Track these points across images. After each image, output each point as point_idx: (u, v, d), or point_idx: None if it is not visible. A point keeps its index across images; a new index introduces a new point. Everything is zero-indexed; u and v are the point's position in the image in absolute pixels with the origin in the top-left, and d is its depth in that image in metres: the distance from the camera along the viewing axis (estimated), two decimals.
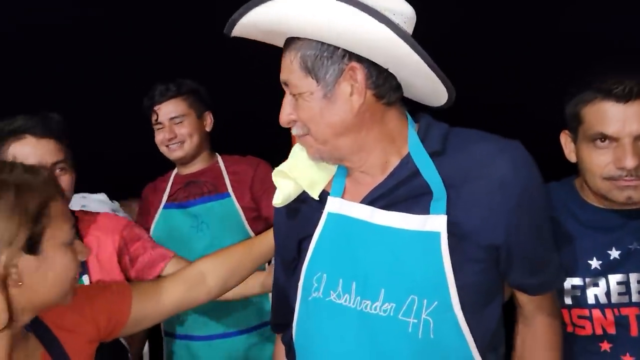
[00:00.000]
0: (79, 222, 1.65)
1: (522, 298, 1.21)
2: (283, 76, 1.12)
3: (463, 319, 1.05)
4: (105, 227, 1.67)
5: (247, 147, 2.32)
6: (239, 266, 1.43)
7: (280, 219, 1.29)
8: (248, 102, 2.70)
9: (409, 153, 1.13)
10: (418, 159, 1.11)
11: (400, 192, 1.11)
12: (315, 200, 1.19)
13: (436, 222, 1.06)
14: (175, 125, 2.13)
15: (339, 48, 1.06)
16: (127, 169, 2.53)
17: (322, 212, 1.17)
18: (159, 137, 2.15)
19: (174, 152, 2.15)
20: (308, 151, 1.17)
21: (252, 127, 2.64)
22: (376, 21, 1.00)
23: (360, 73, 1.08)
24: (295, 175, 1.19)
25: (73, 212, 1.64)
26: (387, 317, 1.07)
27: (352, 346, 1.09)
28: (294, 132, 1.15)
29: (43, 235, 1.02)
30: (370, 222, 1.12)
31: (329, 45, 1.06)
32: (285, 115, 1.14)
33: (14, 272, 0.99)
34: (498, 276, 1.13)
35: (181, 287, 1.35)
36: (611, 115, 1.25)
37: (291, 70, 1.10)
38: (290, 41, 1.10)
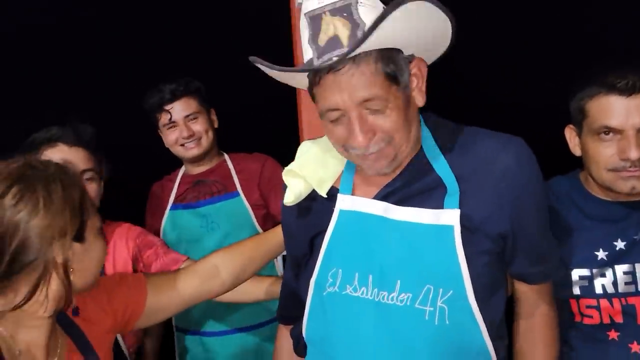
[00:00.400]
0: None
1: (523, 288, 1.25)
2: (363, 93, 1.05)
3: (476, 307, 1.10)
4: (120, 235, 1.74)
5: (245, 145, 2.33)
6: (251, 260, 1.46)
7: (289, 217, 1.31)
8: (242, 100, 2.71)
9: (421, 149, 1.17)
10: (430, 155, 1.16)
11: (414, 187, 1.16)
12: (325, 197, 1.22)
13: (450, 216, 1.11)
14: (189, 122, 2.12)
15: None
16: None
17: (332, 209, 1.20)
18: (173, 136, 2.12)
19: (190, 150, 2.13)
20: (379, 165, 1.12)
21: (248, 124, 2.66)
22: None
23: (423, 65, 1.12)
24: (305, 174, 1.22)
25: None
26: (404, 307, 1.11)
27: (370, 335, 1.13)
28: (371, 149, 1.10)
29: (86, 224, 1.08)
30: (385, 216, 1.15)
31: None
32: (367, 135, 1.08)
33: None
34: (502, 268, 1.19)
35: (195, 280, 1.38)
36: (615, 109, 1.29)
37: (374, 83, 1.05)
38: (356, 57, 1.04)
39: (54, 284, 1.04)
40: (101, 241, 1.14)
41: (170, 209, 2.21)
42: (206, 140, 2.14)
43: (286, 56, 1.15)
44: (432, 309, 1.10)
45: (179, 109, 2.11)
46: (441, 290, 1.10)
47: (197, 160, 2.18)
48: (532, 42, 2.43)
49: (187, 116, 2.11)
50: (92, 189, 1.63)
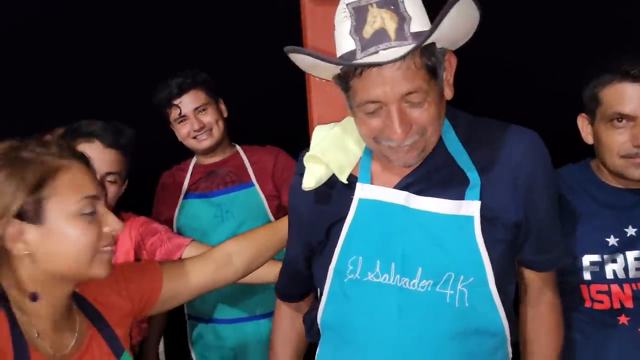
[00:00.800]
0: None
1: (530, 275, 1.28)
2: (407, 87, 1.06)
3: (496, 292, 1.15)
4: (124, 226, 1.73)
5: (254, 137, 2.34)
6: (264, 248, 1.48)
7: (304, 203, 1.30)
8: (249, 92, 2.71)
9: (441, 140, 1.19)
10: (451, 146, 1.19)
11: (435, 177, 1.18)
12: (343, 184, 1.23)
13: (470, 207, 1.15)
14: (199, 115, 2.12)
15: None
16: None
17: (351, 197, 1.22)
18: (184, 129, 2.13)
19: (203, 142, 2.14)
20: (410, 156, 1.13)
21: (256, 116, 2.66)
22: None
23: (454, 58, 1.14)
24: (328, 159, 1.23)
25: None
26: (425, 292, 1.14)
27: (393, 319, 1.15)
28: (407, 142, 1.10)
29: (44, 204, 1.04)
30: (406, 205, 1.17)
31: None
32: (405, 128, 1.08)
33: (20, 241, 1.03)
34: (514, 255, 1.23)
35: (209, 267, 1.40)
36: (629, 95, 1.30)
37: (418, 76, 1.06)
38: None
39: (22, 269, 1.05)
40: (80, 225, 1.07)
41: (183, 198, 2.23)
42: (217, 131, 2.15)
43: (295, 44, 1.14)
44: (452, 292, 1.14)
45: (187, 102, 2.11)
46: (462, 277, 1.14)
47: (210, 151, 2.19)
48: (545, 31, 2.44)
49: (197, 108, 2.11)
50: (112, 191, 1.66)
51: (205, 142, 2.14)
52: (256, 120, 2.65)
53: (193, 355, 2.29)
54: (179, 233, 2.19)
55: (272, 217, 2.18)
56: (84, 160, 1.13)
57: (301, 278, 1.39)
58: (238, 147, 2.28)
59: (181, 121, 2.13)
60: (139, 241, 1.77)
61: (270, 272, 1.59)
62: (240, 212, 2.16)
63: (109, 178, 1.66)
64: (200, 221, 2.19)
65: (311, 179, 1.24)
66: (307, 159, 1.25)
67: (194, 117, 2.12)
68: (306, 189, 1.25)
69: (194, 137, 2.14)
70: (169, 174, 2.32)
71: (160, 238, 1.75)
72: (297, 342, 1.48)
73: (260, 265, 1.49)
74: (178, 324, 2.32)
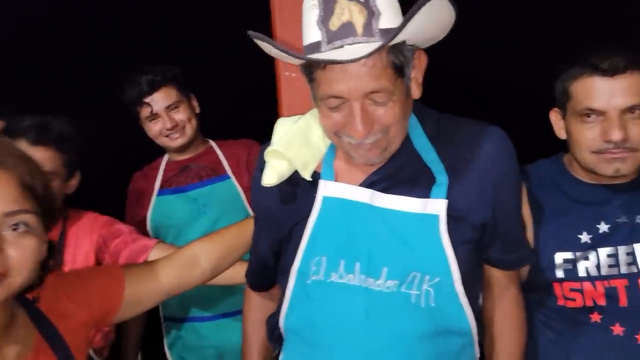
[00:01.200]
0: (68, 219, 1.69)
1: (496, 273, 1.26)
2: (371, 85, 1.03)
3: (462, 292, 1.13)
4: (84, 226, 1.70)
5: (223, 130, 2.29)
6: (232, 248, 1.44)
7: (269, 199, 1.26)
8: (219, 85, 2.65)
9: (408, 137, 1.16)
10: (418, 144, 1.16)
11: (401, 175, 1.16)
12: (306, 182, 1.20)
13: (436, 206, 1.12)
14: (171, 112, 2.07)
15: None
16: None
17: (314, 195, 1.19)
18: (156, 128, 2.07)
19: (176, 141, 2.09)
20: (371, 154, 1.10)
21: (225, 110, 2.61)
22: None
23: (424, 57, 1.11)
24: (290, 155, 1.19)
25: (66, 209, 1.67)
26: (391, 292, 1.12)
27: (359, 320, 1.13)
28: (368, 140, 1.07)
29: None
30: (371, 204, 1.15)
31: None
32: (368, 126, 1.05)
33: None
34: (480, 255, 1.21)
35: (175, 270, 1.36)
36: (598, 90, 1.28)
37: (383, 75, 1.03)
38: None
39: None
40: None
41: (157, 195, 2.17)
42: (190, 129, 2.11)
43: (264, 29, 1.10)
44: (417, 292, 1.12)
45: (158, 100, 2.05)
46: (427, 277, 1.12)
47: (183, 149, 2.15)
48: (518, 24, 2.42)
49: (168, 106, 2.06)
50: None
51: (178, 140, 2.09)
52: (228, 114, 2.59)
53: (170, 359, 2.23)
54: (154, 232, 2.16)
55: (250, 210, 2.13)
56: None
57: (270, 270, 1.36)
58: (212, 142, 2.23)
59: (152, 119, 2.07)
60: (100, 244, 1.69)
61: (240, 272, 1.55)
62: (217, 205, 2.12)
63: None
64: (175, 217, 2.14)
65: (272, 175, 1.19)
66: (269, 154, 1.20)
67: (166, 115, 2.06)
68: (267, 186, 1.20)
69: (166, 136, 2.09)
70: (140, 174, 2.26)
71: (125, 240, 1.68)
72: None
73: (229, 266, 1.45)
74: (151, 327, 2.27)
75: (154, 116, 2.07)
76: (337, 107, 1.07)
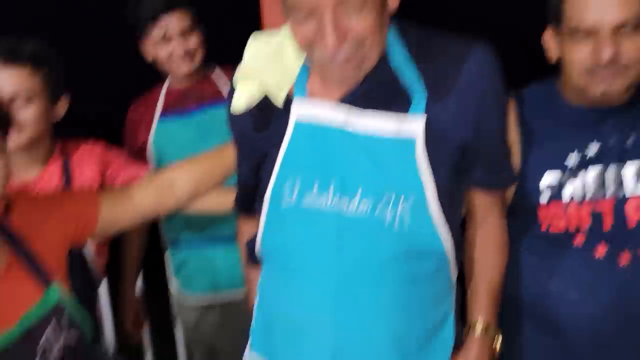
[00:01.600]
0: (68, 152, 1.66)
1: (479, 196, 1.24)
2: None
3: (437, 214, 1.11)
4: (84, 154, 1.67)
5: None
6: (209, 173, 1.45)
7: (243, 124, 1.24)
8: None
9: (386, 55, 1.12)
10: (398, 62, 1.12)
11: (376, 94, 1.12)
12: (280, 107, 1.17)
13: (414, 124, 1.09)
14: (184, 37, 1.97)
15: None
16: None
17: (288, 118, 1.16)
18: (165, 52, 1.98)
19: (185, 67, 2.01)
20: (345, 70, 1.06)
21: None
22: None
23: None
24: (263, 79, 1.15)
25: (62, 138, 1.64)
26: (364, 217, 1.11)
27: (332, 246, 1.14)
28: (342, 53, 1.03)
29: None
30: (345, 130, 1.12)
31: None
32: (340, 36, 1.00)
33: None
34: (461, 177, 1.18)
35: (151, 194, 1.39)
36: (591, 5, 1.22)
37: None
38: None
39: None
40: None
41: (159, 121, 2.14)
42: (199, 56, 2.04)
43: None
44: (392, 214, 1.10)
45: (174, 22, 1.95)
46: (402, 197, 1.10)
47: (188, 76, 2.08)
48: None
49: (182, 30, 1.97)
50: (29, 112, 1.46)
51: (188, 66, 2.01)
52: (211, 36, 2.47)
53: (174, 288, 2.24)
54: (156, 158, 2.15)
55: None
56: None
57: (254, 194, 1.34)
58: (217, 68, 2.17)
59: (164, 42, 1.98)
60: (102, 169, 1.68)
61: (227, 201, 1.57)
62: (221, 131, 2.04)
63: (19, 100, 1.45)
64: (177, 143, 2.10)
65: (242, 100, 1.16)
66: (241, 78, 1.17)
67: (181, 39, 1.97)
68: (235, 111, 1.17)
69: (175, 61, 2.00)
70: (138, 103, 2.21)
71: (118, 166, 1.68)
72: None
73: (206, 190, 1.45)
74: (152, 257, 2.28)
75: (166, 39, 1.98)
76: (306, 18, 1.01)
